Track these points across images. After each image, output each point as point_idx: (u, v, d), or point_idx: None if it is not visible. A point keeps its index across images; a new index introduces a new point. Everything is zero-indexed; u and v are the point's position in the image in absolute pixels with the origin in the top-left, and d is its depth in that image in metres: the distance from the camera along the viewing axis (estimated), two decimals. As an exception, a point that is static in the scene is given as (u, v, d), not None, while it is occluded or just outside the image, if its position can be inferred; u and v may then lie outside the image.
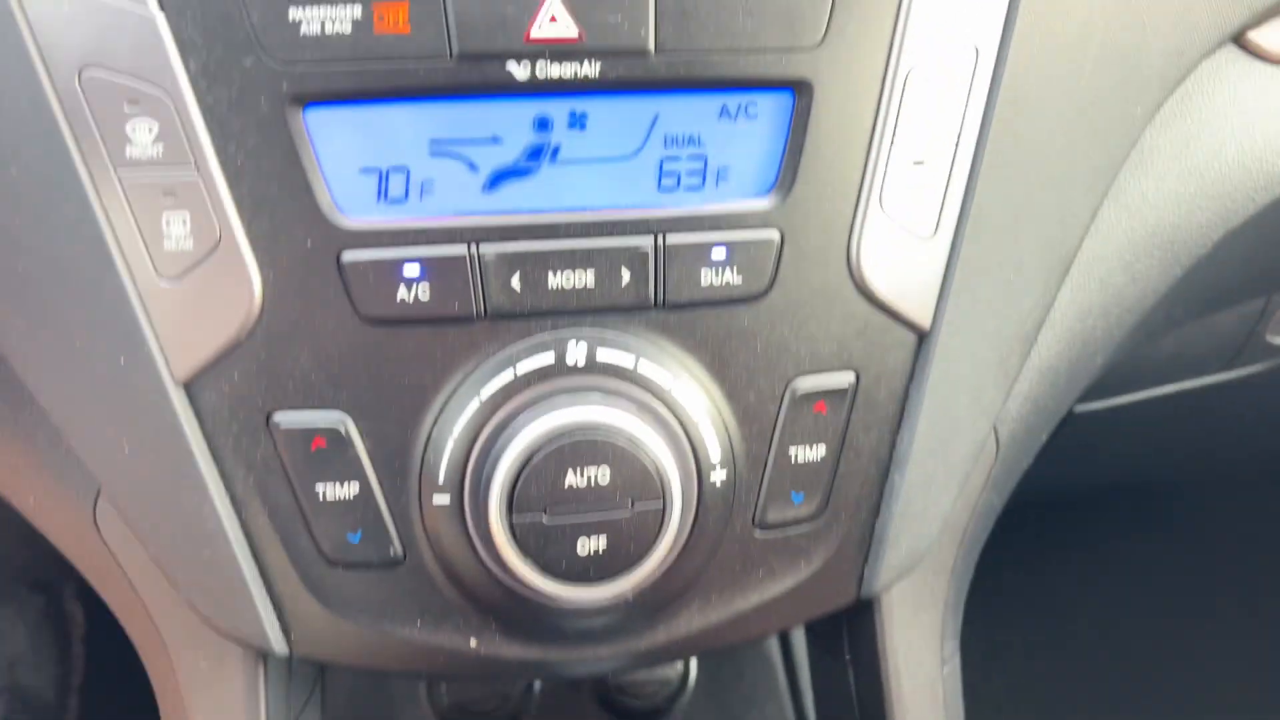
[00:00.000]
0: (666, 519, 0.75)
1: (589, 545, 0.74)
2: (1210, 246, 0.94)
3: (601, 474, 0.73)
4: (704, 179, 0.74)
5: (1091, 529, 2.15)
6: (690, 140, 0.74)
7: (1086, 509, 2.06)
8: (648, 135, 0.73)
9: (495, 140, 0.72)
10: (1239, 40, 0.91)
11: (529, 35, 0.68)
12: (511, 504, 0.73)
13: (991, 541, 1.03)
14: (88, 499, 0.80)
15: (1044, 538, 1.99)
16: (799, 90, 0.73)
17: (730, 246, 0.74)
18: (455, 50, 0.68)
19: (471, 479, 0.75)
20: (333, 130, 0.69)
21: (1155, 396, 1.29)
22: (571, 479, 0.73)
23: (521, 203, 0.73)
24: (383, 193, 0.71)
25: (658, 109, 0.73)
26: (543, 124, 0.72)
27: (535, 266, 0.72)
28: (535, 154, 0.72)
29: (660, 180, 0.74)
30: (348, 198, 0.71)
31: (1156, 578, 2.16)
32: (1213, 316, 1.16)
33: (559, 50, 0.69)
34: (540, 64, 0.69)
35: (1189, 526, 2.18)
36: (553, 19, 0.68)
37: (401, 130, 0.70)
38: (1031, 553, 2.04)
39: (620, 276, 0.74)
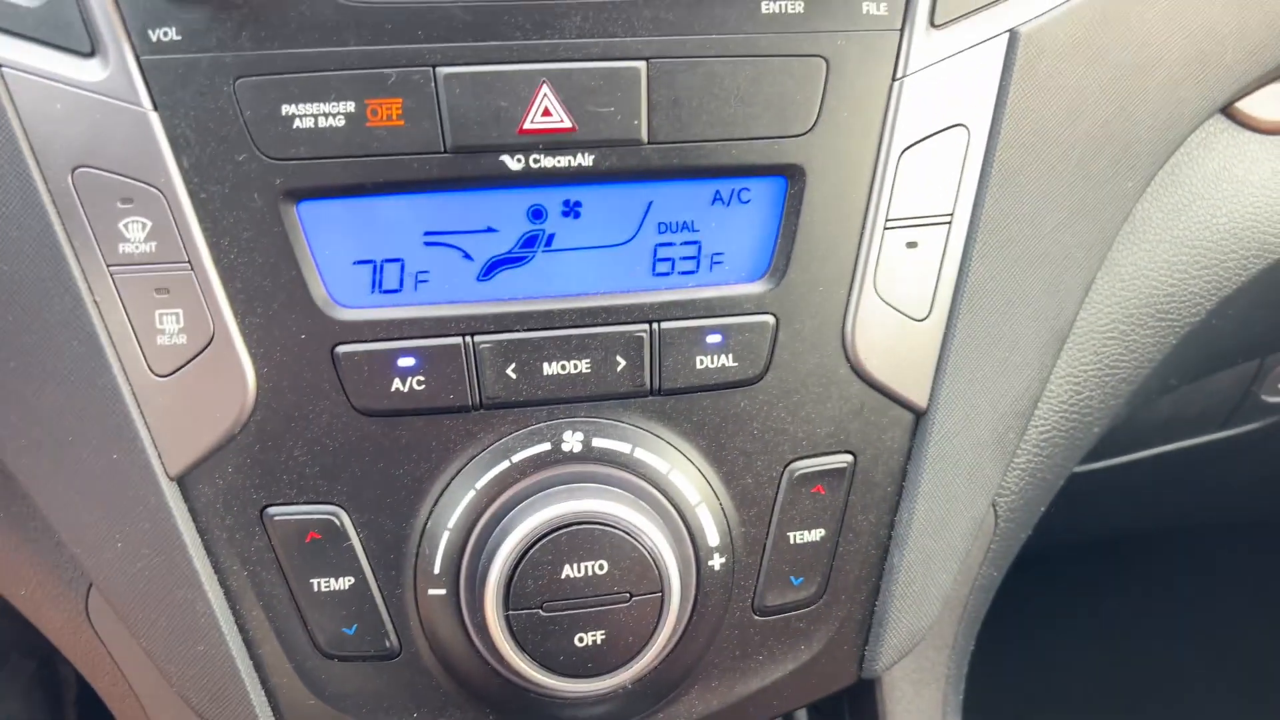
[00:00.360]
0: (665, 609, 0.74)
1: (587, 638, 0.74)
2: (1204, 314, 0.95)
3: (599, 566, 0.72)
4: (698, 264, 0.75)
5: (1087, 580, 2.14)
6: (684, 226, 0.74)
7: (1081, 561, 2.06)
8: (641, 222, 0.73)
9: (490, 230, 0.72)
10: (1227, 111, 0.92)
11: (522, 127, 0.69)
12: (508, 597, 0.72)
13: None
14: (80, 592, 0.79)
15: (1040, 590, 1.98)
16: (791, 176, 0.73)
17: (725, 332, 0.74)
18: (449, 143, 0.68)
19: (467, 571, 0.74)
20: (327, 224, 0.69)
21: (1152, 456, 1.29)
22: (568, 571, 0.72)
23: (516, 290, 0.73)
24: (377, 284, 0.71)
25: (651, 196, 0.73)
26: (537, 213, 0.72)
27: (530, 356, 0.72)
28: (530, 242, 0.72)
29: (655, 266, 0.74)
30: (342, 290, 0.70)
31: (1155, 626, 2.15)
32: (1208, 378, 1.17)
33: (553, 142, 0.69)
34: (534, 156, 0.70)
35: (1186, 576, 2.17)
36: (546, 111, 0.69)
37: (396, 222, 0.70)
38: (1030, 604, 2.03)
39: (616, 364, 0.73)
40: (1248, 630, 2.11)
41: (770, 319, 0.75)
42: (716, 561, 0.77)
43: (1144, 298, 0.91)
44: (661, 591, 0.74)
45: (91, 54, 0.66)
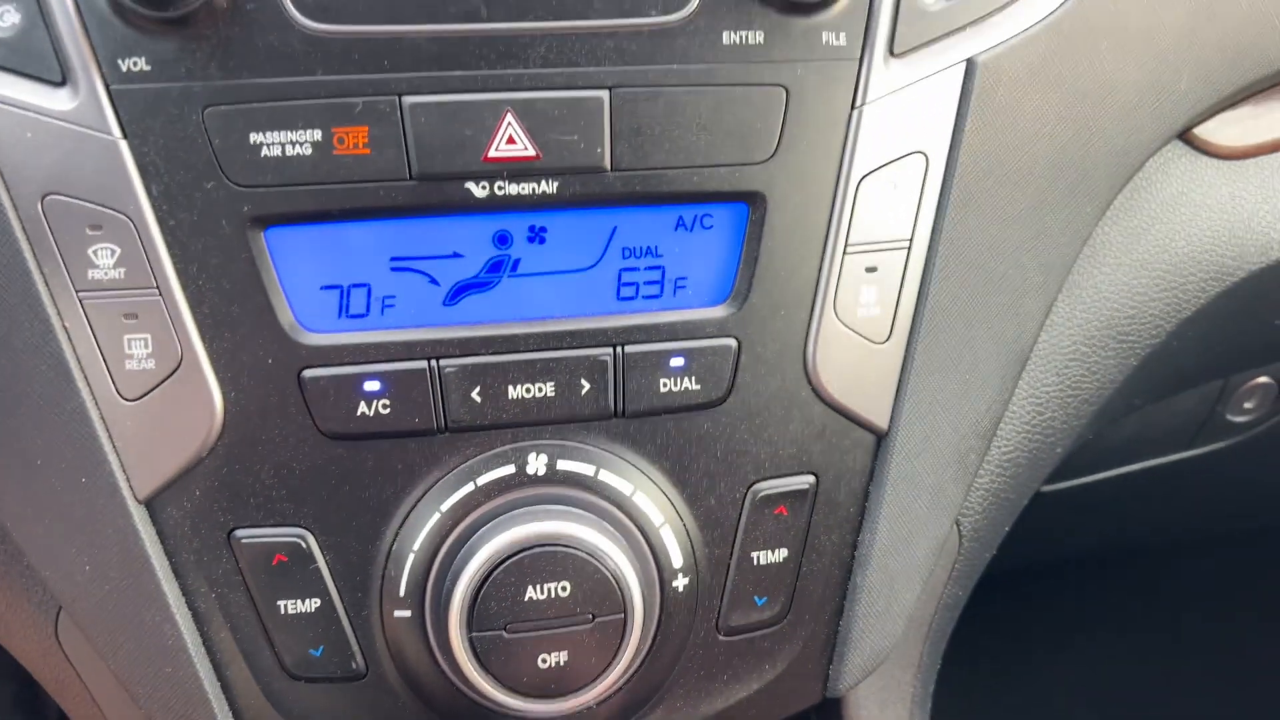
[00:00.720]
0: (628, 631, 0.75)
1: (550, 659, 0.75)
2: (1164, 336, 0.96)
3: (561, 588, 0.73)
4: (662, 288, 0.76)
5: (1057, 597, 2.15)
6: (648, 251, 0.75)
7: (1049, 577, 2.07)
8: (606, 247, 0.75)
9: (455, 255, 0.73)
10: (1184, 136, 0.94)
11: (487, 155, 0.70)
12: (472, 619, 0.73)
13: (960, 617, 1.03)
14: (49, 614, 0.80)
15: (1011, 609, 1.98)
16: (753, 202, 0.74)
17: (688, 355, 0.75)
18: (415, 171, 0.69)
19: (432, 593, 0.75)
20: (294, 250, 0.70)
21: (1118, 475, 1.31)
22: (532, 593, 0.73)
23: (482, 315, 0.74)
24: (344, 309, 0.72)
25: (615, 222, 0.74)
26: (502, 239, 0.73)
27: (495, 379, 0.73)
28: (495, 268, 0.74)
29: (619, 290, 0.75)
30: (309, 315, 0.71)
31: (1126, 641, 2.16)
32: (1173, 398, 1.18)
33: (517, 169, 0.71)
34: (499, 183, 0.71)
35: (1154, 591, 2.18)
36: (510, 140, 0.70)
37: (362, 248, 0.71)
38: (1000, 624, 2.04)
39: (580, 387, 0.75)
40: (1222, 642, 2.12)
41: (732, 342, 0.76)
42: (680, 582, 0.78)
43: (1104, 320, 0.92)
44: (624, 613, 0.75)
45: (62, 83, 0.67)
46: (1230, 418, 1.24)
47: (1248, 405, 1.23)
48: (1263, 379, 1.21)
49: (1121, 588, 2.17)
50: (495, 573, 0.72)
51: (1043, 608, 2.14)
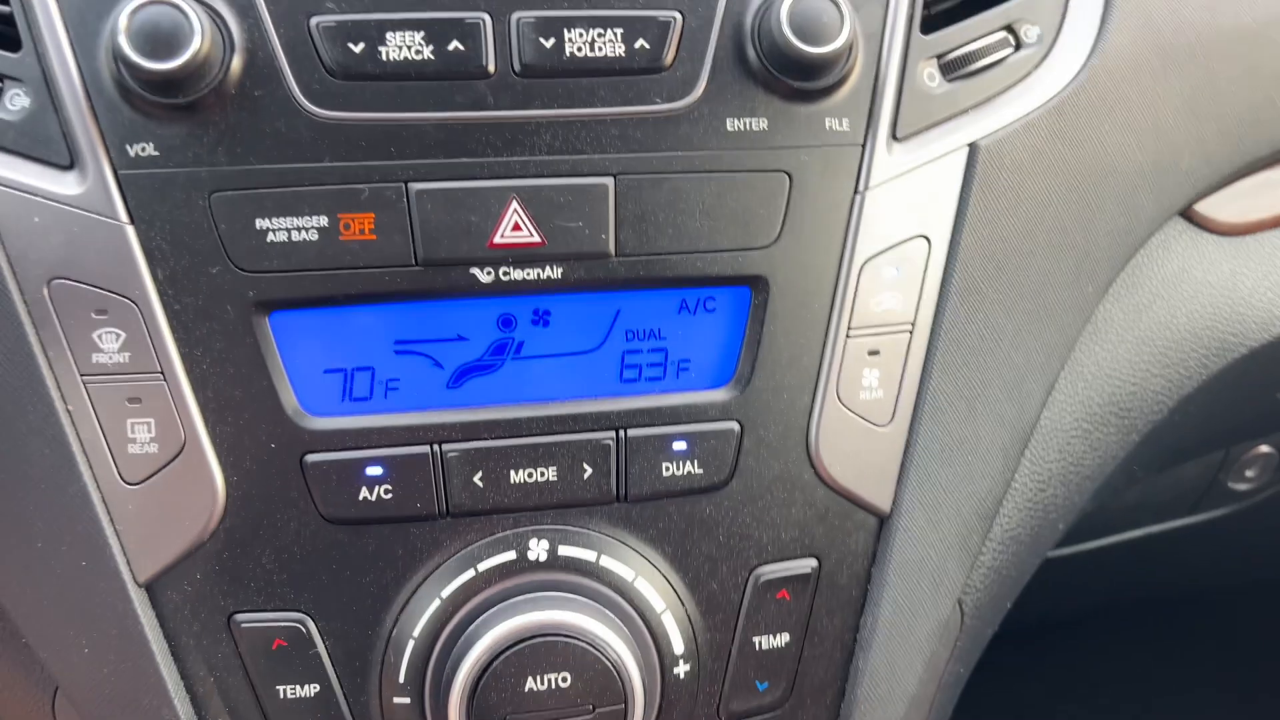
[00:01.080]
0: None
1: None
2: (1166, 412, 0.96)
3: (562, 678, 0.73)
4: (665, 371, 0.76)
5: (1059, 654, 2.14)
6: (651, 334, 0.75)
7: (1055, 635, 2.06)
8: (609, 330, 0.75)
9: (459, 338, 0.73)
10: (1185, 213, 0.95)
11: (492, 242, 0.70)
12: (472, 708, 0.72)
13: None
14: (47, 693, 0.79)
15: (1014, 663, 1.97)
16: (755, 286, 0.75)
17: (691, 438, 0.75)
18: (420, 256, 0.70)
19: (432, 681, 0.74)
20: (298, 334, 0.71)
21: (1122, 540, 1.30)
22: (532, 684, 0.73)
23: (486, 397, 0.74)
24: (347, 392, 0.72)
25: (619, 305, 0.75)
26: (506, 322, 0.74)
27: (498, 464, 0.73)
28: (499, 350, 0.74)
29: (622, 372, 0.76)
30: (312, 399, 0.72)
31: (1133, 691, 2.15)
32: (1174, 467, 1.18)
33: (522, 255, 0.71)
34: (504, 269, 0.71)
35: (1162, 645, 2.17)
36: (515, 226, 0.71)
37: (366, 332, 0.72)
38: (1003, 680, 2.03)
39: (582, 471, 0.74)
40: (1232, 691, 2.11)
41: (735, 426, 0.76)
42: (681, 669, 0.78)
43: (1106, 396, 0.92)
44: (625, 703, 0.74)
45: (70, 166, 0.68)
46: (1232, 485, 1.24)
47: (1249, 474, 1.23)
48: (1264, 448, 1.21)
49: (1126, 641, 2.16)
50: (495, 663, 0.72)
51: (1045, 662, 2.13)
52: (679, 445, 0.75)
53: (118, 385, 0.69)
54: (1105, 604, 1.90)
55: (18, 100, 0.67)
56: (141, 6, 0.64)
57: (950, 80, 0.78)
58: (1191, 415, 0.99)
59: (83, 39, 0.67)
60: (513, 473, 0.74)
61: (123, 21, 0.64)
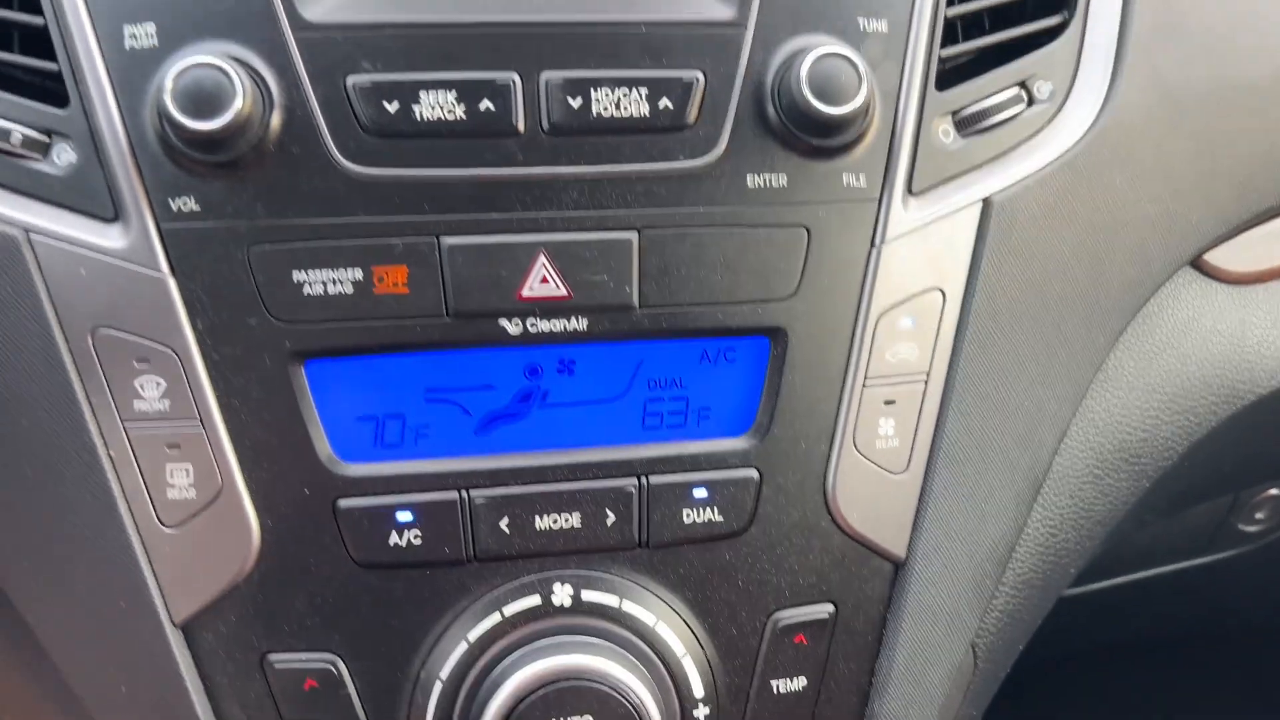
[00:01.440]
0: None
1: None
2: (1176, 457, 0.98)
3: None
4: (685, 418, 0.78)
5: (1072, 693, 2.14)
6: (672, 383, 0.78)
7: (1068, 674, 2.06)
8: (632, 379, 0.77)
9: (487, 387, 0.75)
10: (1195, 263, 0.96)
11: (521, 294, 0.73)
12: None
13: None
14: None
15: (1026, 706, 1.97)
16: (775, 337, 0.77)
17: (711, 486, 0.77)
18: (451, 308, 0.72)
19: None
20: (332, 382, 0.73)
21: (1134, 580, 1.31)
22: None
23: (512, 443, 0.76)
24: (379, 439, 0.75)
25: (641, 355, 0.77)
26: (533, 371, 0.76)
27: (523, 510, 0.75)
28: (525, 398, 0.76)
29: (644, 420, 0.78)
30: (345, 446, 0.74)
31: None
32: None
33: (549, 307, 0.73)
34: (531, 320, 0.73)
35: (1177, 684, 2.17)
36: (543, 279, 0.73)
37: (398, 380, 0.74)
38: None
39: (606, 517, 0.76)
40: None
41: (754, 473, 0.78)
42: (701, 712, 0.80)
43: (1117, 442, 0.94)
44: None
45: (114, 219, 0.70)
46: (1242, 527, 1.25)
47: (1259, 516, 1.24)
48: (1273, 491, 1.22)
49: (1140, 681, 2.15)
50: (521, 706, 0.74)
51: (1058, 702, 2.13)
52: (700, 492, 0.77)
53: (158, 431, 0.71)
54: (1118, 643, 1.90)
55: (64, 155, 0.70)
56: (187, 69, 0.66)
57: (964, 135, 0.80)
58: (1201, 461, 1.00)
59: (128, 96, 0.69)
60: (538, 518, 0.76)
61: (168, 82, 0.66)
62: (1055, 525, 0.93)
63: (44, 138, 0.70)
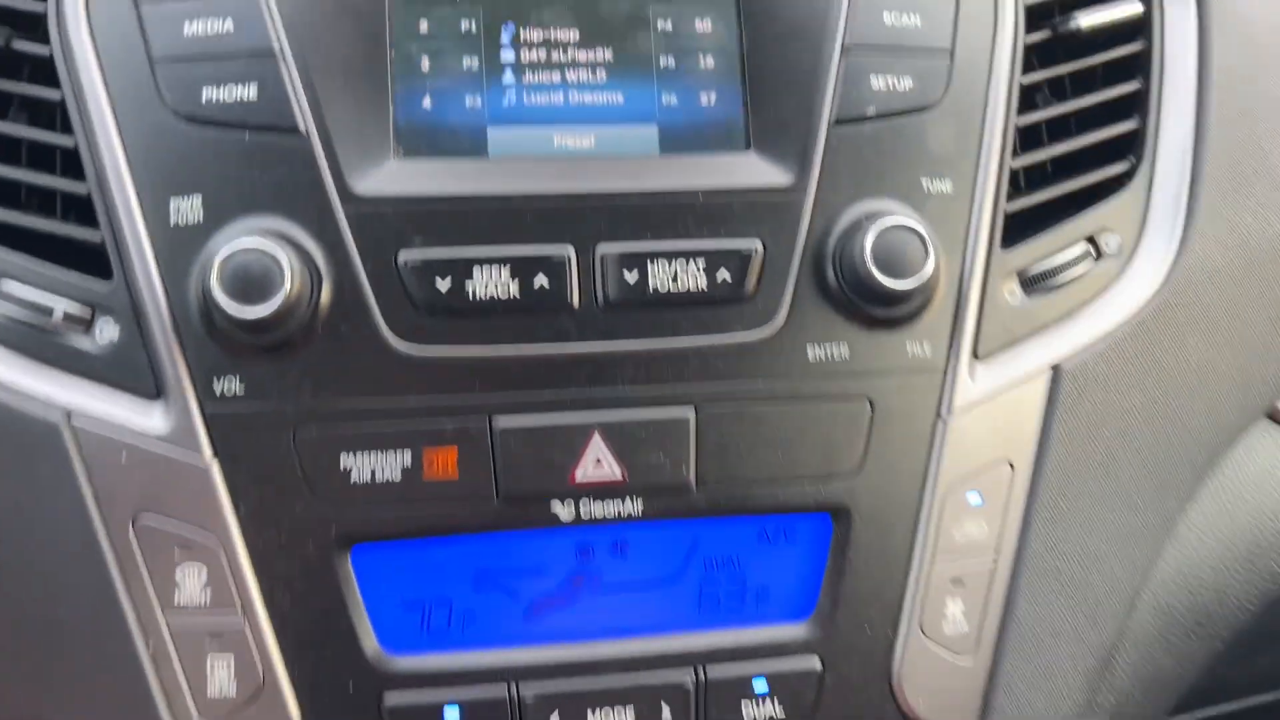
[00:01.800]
0: None
1: None
2: (1250, 616, 0.93)
3: None
4: (743, 600, 0.75)
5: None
6: (729, 563, 0.74)
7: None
8: (687, 560, 0.74)
9: (536, 570, 0.72)
10: (1270, 413, 0.92)
11: (574, 478, 0.70)
12: None
13: None
14: None
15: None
16: (837, 515, 0.74)
17: (772, 678, 0.74)
18: (501, 493, 0.69)
19: None
20: (378, 568, 0.70)
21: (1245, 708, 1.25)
22: None
23: (562, 629, 0.73)
24: (425, 625, 0.72)
25: (697, 534, 0.74)
26: (584, 552, 0.73)
27: (575, 706, 0.72)
28: (576, 581, 0.73)
29: (700, 602, 0.74)
30: (390, 635, 0.71)
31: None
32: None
33: (602, 490, 0.70)
34: (584, 503, 0.70)
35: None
36: (597, 462, 0.70)
37: (445, 565, 0.71)
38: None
39: (661, 715, 0.73)
40: None
41: (816, 662, 0.74)
42: None
43: (1187, 603, 0.90)
44: None
45: (156, 396, 0.68)
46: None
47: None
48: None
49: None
50: None
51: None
52: (759, 685, 0.73)
53: (198, 623, 0.69)
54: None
55: (106, 331, 0.68)
56: (234, 254, 0.65)
57: (1031, 294, 0.77)
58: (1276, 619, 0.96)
59: (173, 272, 0.67)
60: (590, 713, 0.72)
61: (214, 266, 0.64)
62: (1124, 694, 0.88)
63: (86, 313, 0.69)
